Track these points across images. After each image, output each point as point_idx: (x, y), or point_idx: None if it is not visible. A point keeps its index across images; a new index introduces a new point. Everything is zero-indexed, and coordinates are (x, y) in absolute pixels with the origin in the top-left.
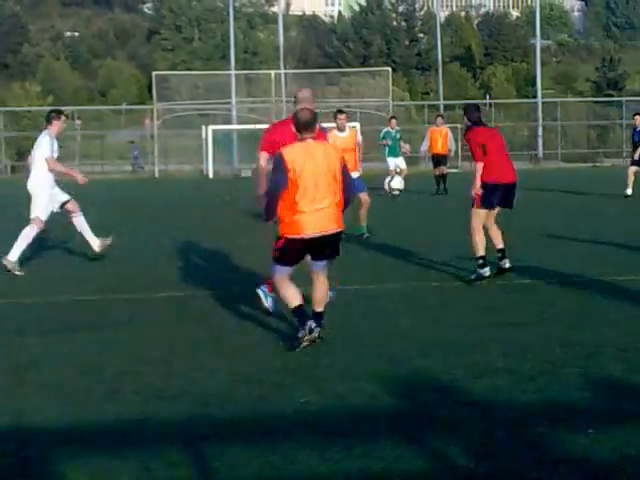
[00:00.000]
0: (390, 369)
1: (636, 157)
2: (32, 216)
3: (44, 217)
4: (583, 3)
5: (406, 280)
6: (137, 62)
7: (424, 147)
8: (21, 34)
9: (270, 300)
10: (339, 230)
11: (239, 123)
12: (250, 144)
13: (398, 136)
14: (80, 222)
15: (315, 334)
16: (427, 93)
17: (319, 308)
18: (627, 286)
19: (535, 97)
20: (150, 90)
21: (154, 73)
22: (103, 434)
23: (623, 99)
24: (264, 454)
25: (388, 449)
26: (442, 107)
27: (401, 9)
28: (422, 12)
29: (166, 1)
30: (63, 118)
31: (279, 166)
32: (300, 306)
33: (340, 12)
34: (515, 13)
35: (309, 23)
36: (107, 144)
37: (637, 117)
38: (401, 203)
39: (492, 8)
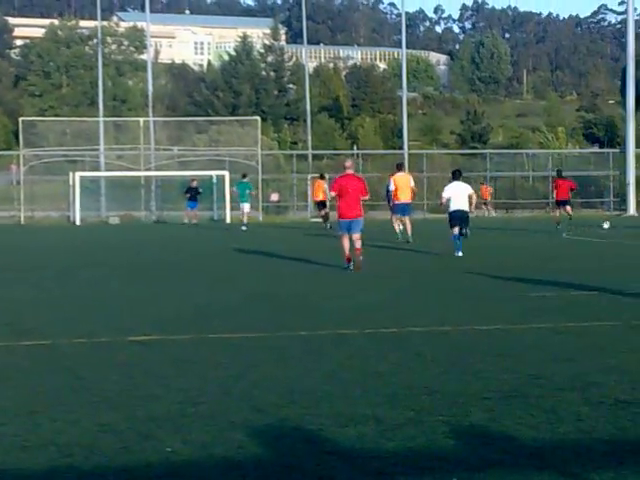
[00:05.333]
0: (256, 418)
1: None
2: None
3: None
4: (448, 57)
5: (274, 330)
6: (3, 107)
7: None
8: None
9: None
10: None
11: (107, 170)
12: (118, 191)
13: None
14: None
15: None
16: (295, 143)
17: None
18: (488, 335)
19: (402, 148)
20: (17, 136)
21: (21, 119)
22: None
23: (487, 152)
24: None
25: None
26: (310, 157)
27: (270, 59)
28: (291, 63)
29: (34, 46)
30: None
31: None
32: None
33: (210, 61)
34: (382, 66)
35: (178, 71)
36: None
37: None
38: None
39: (360, 60)
